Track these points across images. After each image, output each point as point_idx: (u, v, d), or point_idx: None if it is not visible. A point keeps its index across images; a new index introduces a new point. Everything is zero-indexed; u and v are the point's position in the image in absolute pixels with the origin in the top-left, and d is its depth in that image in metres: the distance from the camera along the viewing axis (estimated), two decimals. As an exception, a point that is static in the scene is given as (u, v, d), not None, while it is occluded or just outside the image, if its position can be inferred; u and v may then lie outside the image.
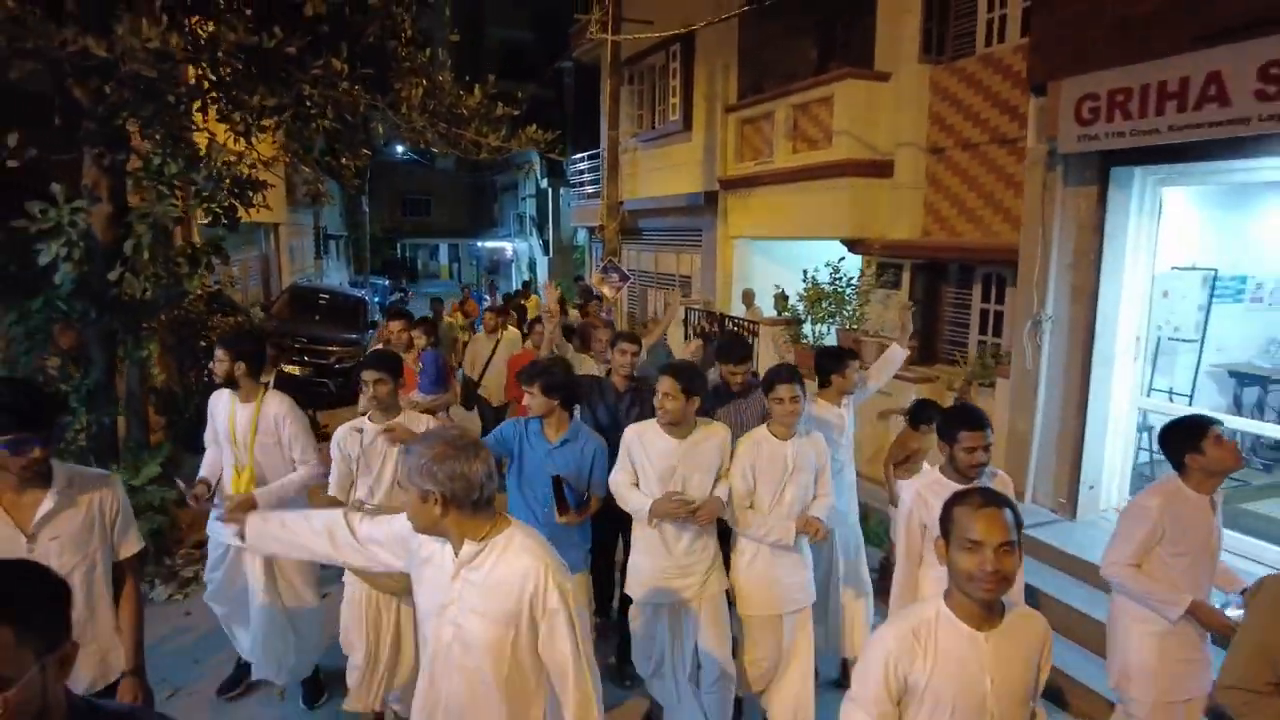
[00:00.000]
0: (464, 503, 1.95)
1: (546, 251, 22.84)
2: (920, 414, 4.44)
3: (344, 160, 6.93)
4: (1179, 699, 2.86)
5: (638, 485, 3.36)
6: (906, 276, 8.33)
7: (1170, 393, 5.71)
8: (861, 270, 8.28)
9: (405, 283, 28.39)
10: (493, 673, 2.00)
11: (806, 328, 8.41)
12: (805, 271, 8.23)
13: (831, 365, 4.15)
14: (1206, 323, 5.46)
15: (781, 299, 8.80)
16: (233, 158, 5.16)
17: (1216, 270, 5.44)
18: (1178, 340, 5.59)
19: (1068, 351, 5.16)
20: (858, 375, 4.19)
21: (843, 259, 8.13)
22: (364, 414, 3.61)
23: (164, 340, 5.45)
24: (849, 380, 4.11)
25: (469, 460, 1.95)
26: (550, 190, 21.75)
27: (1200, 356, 5.61)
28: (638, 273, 14.52)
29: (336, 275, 24.45)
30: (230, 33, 4.42)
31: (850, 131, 8.57)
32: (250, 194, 5.50)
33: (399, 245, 38.82)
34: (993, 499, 1.89)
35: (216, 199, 5.29)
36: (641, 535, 3.40)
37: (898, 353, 4.46)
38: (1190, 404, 5.61)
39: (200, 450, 3.94)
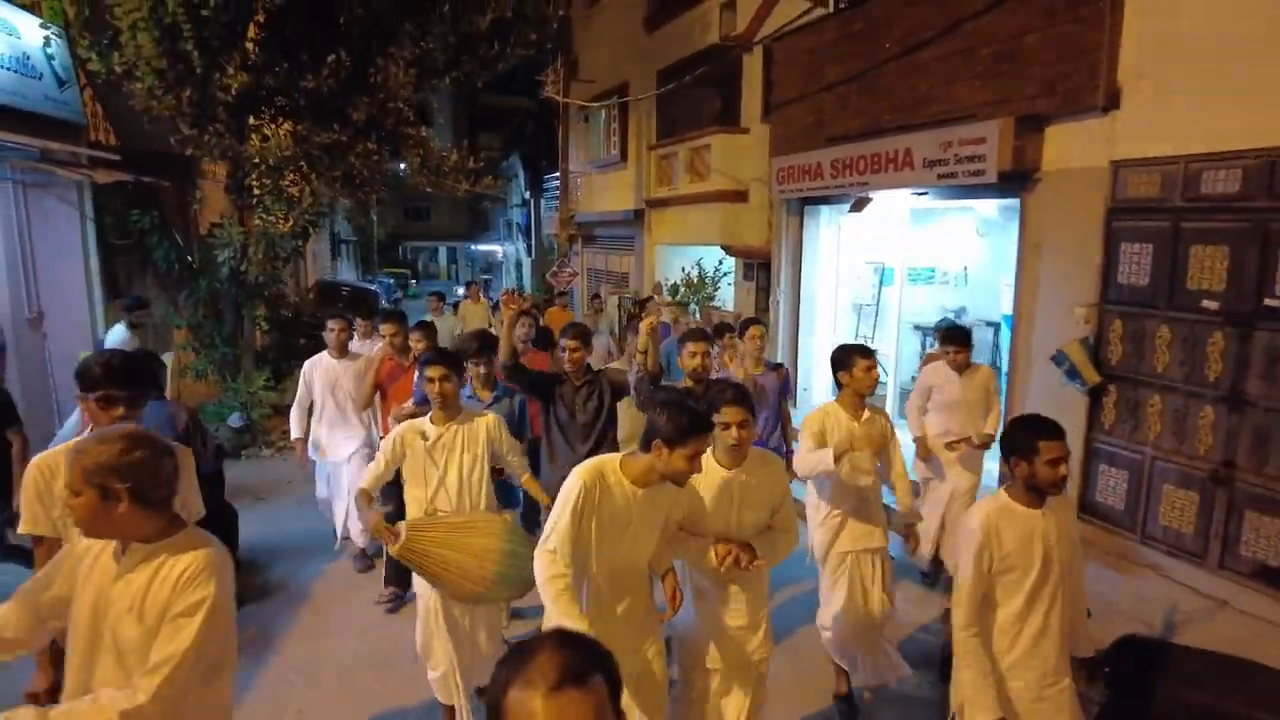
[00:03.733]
0: (147, 500, 1.92)
1: (530, 254, 26.83)
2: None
3: (370, 194, 10.93)
4: None
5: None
6: (757, 271, 12.27)
7: (865, 338, 9.64)
8: (717, 265, 12.23)
9: (405, 282, 31.18)
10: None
11: (691, 307, 12.37)
12: (683, 268, 12.19)
13: (839, 362, 3.78)
14: (879, 296, 9.39)
15: (674, 289, 12.75)
16: (310, 201, 9.16)
17: (884, 263, 9.34)
18: (866, 306, 9.53)
19: (789, 314, 9.12)
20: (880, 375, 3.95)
21: (701, 259, 12.11)
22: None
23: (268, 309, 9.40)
24: (861, 380, 3.71)
25: (159, 456, 1.95)
26: (532, 201, 25.73)
27: (877, 317, 9.53)
28: (594, 270, 18.52)
29: (347, 275, 28.50)
30: (317, 135, 8.40)
31: (721, 169, 12.49)
32: (318, 221, 9.50)
33: (401, 248, 42.93)
34: (561, 674, 1.15)
35: (299, 223, 9.29)
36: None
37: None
38: (870, 343, 9.53)
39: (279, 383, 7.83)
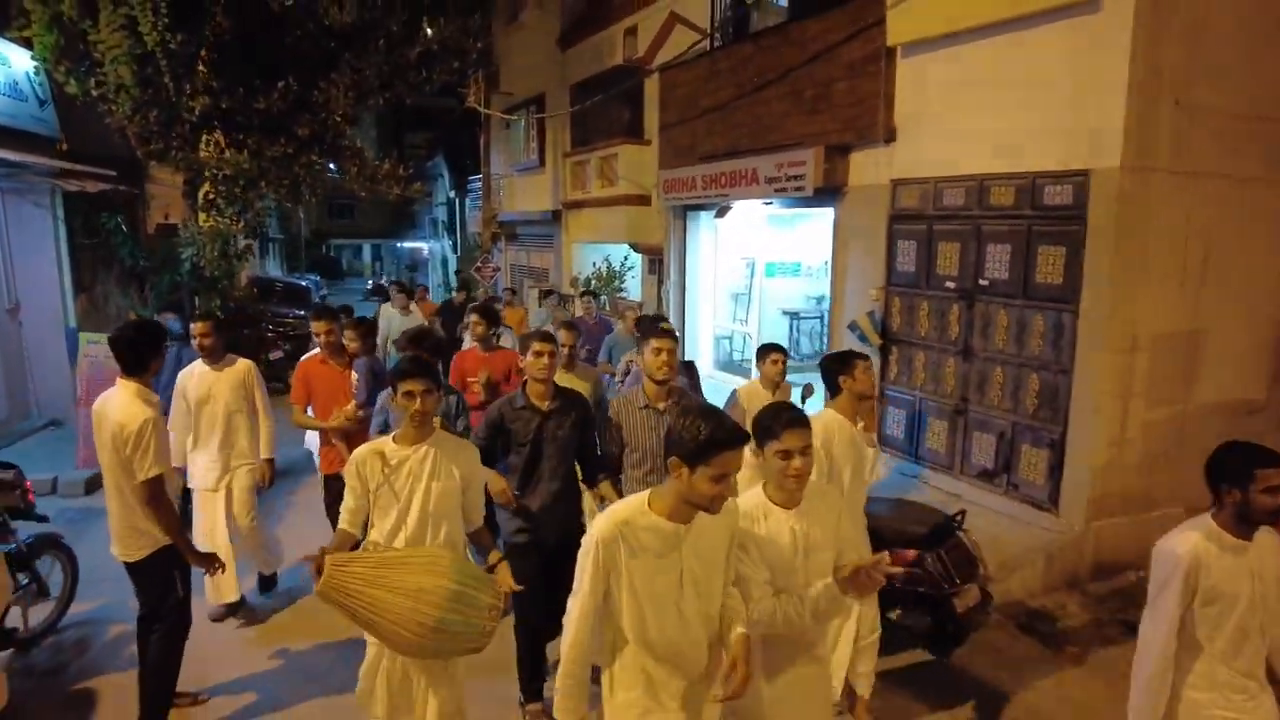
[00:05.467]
0: None
1: (456, 251, 28.19)
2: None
3: (311, 199, 12.36)
4: None
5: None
6: (659, 265, 14.15)
7: (741, 320, 11.64)
8: (623, 260, 14.09)
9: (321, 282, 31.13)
10: None
11: (601, 298, 14.19)
12: (594, 263, 13.99)
13: (837, 368, 3.78)
14: (750, 286, 11.38)
15: (586, 282, 14.53)
16: (260, 205, 10.59)
17: (754, 258, 11.34)
18: (741, 294, 11.52)
19: (678, 300, 11.03)
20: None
21: (608, 256, 13.95)
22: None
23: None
24: (862, 381, 3.73)
25: None
26: (457, 200, 27.12)
27: (749, 304, 11.52)
28: (517, 266, 20.15)
29: (274, 271, 29.27)
30: (270, 149, 9.86)
31: (627, 176, 14.29)
32: (266, 223, 10.94)
33: (325, 245, 43.50)
34: None
35: (251, 225, 10.72)
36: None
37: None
38: (745, 325, 11.52)
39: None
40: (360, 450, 3.17)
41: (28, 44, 8.48)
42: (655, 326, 4.41)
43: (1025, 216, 6.34)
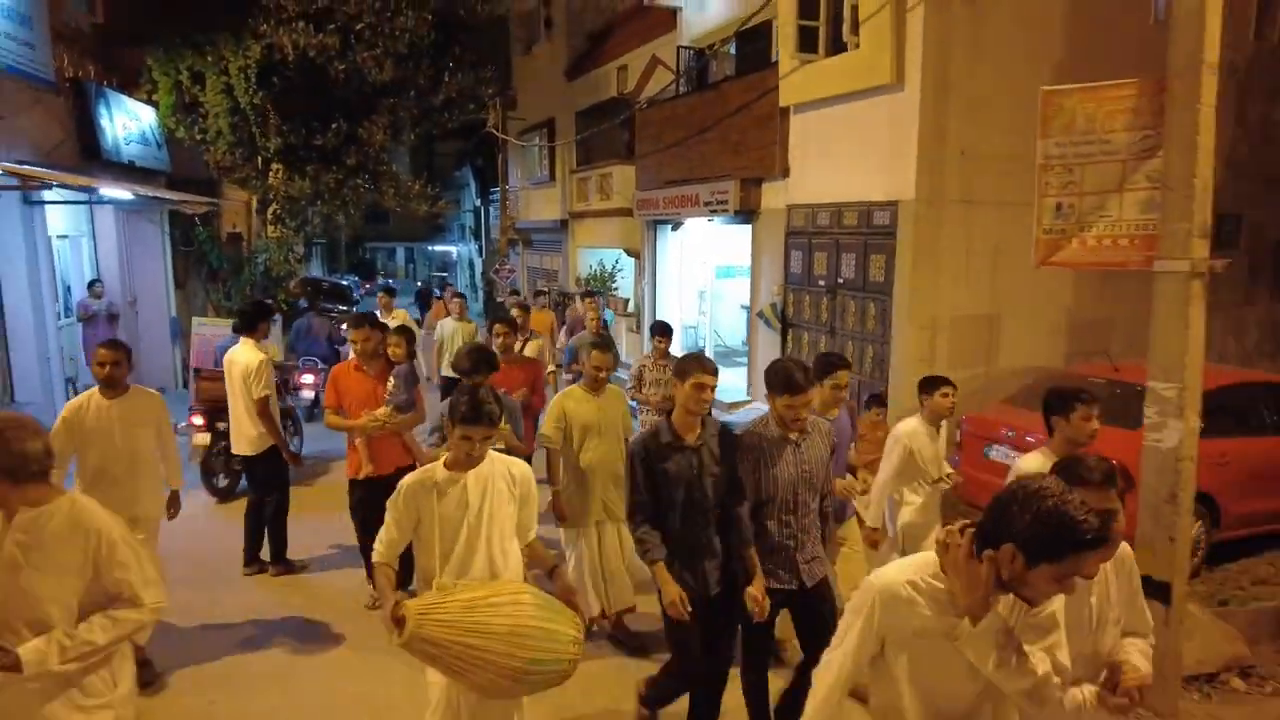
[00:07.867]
0: (20, 476, 2.35)
1: (481, 254, 31.40)
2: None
3: (352, 211, 15.51)
4: None
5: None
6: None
7: (706, 314, 14.46)
8: (615, 262, 17.03)
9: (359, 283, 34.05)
10: (61, 618, 2.39)
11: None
12: (590, 265, 16.96)
13: (1055, 406, 3.41)
14: (712, 284, 14.20)
15: (585, 282, 17.49)
16: (316, 221, 13.74)
17: (708, 262, 14.14)
18: (704, 291, 14.36)
19: (653, 296, 13.93)
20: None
21: (603, 259, 16.92)
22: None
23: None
24: (1079, 428, 3.32)
25: (26, 439, 2.38)
26: (483, 208, 30.33)
27: (712, 299, 14.33)
28: (532, 269, 23.21)
29: (316, 272, 32.81)
30: (325, 175, 12.99)
31: (621, 191, 17.21)
32: (320, 234, 14.09)
33: (362, 248, 47.19)
34: None
35: (308, 235, 13.87)
36: None
37: None
38: (706, 316, 14.33)
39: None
40: (410, 479, 3.11)
41: (152, 103, 11.70)
42: (798, 380, 3.47)
43: (863, 233, 9.12)
